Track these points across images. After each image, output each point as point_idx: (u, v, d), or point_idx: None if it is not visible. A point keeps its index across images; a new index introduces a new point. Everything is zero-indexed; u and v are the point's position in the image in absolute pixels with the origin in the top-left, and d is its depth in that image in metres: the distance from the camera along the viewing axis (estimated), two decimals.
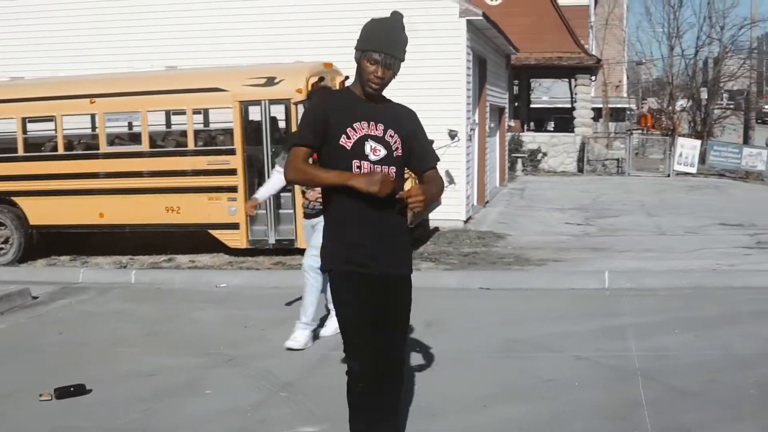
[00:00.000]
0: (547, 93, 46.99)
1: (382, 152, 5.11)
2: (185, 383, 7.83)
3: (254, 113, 14.65)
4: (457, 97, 17.41)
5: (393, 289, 5.24)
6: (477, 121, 20.41)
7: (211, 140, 15.10)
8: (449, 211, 17.17)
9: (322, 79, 14.60)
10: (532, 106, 40.37)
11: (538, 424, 6.52)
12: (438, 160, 5.44)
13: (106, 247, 16.08)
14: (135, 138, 15.48)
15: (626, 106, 54.94)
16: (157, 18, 18.07)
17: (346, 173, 5.01)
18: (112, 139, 15.50)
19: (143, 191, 14.85)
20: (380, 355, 5.14)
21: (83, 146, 15.62)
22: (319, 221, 7.62)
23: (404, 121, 5.26)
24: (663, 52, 40.32)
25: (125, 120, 15.97)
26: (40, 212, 15.30)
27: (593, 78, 36.50)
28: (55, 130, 15.30)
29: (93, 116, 15.73)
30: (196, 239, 15.54)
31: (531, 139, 32.83)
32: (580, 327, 9.44)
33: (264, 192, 9.97)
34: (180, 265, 14.69)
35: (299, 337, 8.84)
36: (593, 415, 6.63)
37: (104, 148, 15.08)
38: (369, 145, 5.09)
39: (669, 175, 31.13)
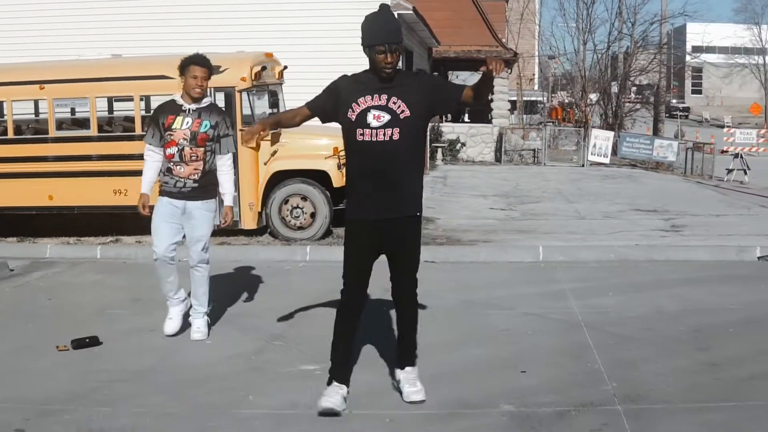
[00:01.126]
0: (465, 82, 48.30)
1: (386, 117, 6.48)
2: (185, 336, 8.93)
3: None
4: None
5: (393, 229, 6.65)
6: None
7: None
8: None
9: (264, 68, 15.68)
10: None
11: (507, 360, 7.81)
12: (462, 87, 6.76)
13: (52, 230, 16.87)
14: (83, 123, 16.34)
15: (539, 99, 56.85)
16: (104, 7, 18.94)
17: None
18: (60, 124, 16.37)
19: (92, 174, 15.70)
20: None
21: (32, 131, 16.44)
22: (196, 208, 8.55)
23: (412, 85, 6.65)
24: (576, 47, 41.73)
25: (74, 105, 16.82)
26: None
27: (509, 71, 37.95)
28: (3, 114, 16.13)
29: (39, 102, 16.57)
30: (142, 221, 16.39)
31: (450, 130, 34.10)
32: (524, 291, 10.82)
33: (147, 183, 9.33)
34: (126, 244, 15.58)
35: (203, 326, 9.07)
36: (551, 354, 7.95)
37: (53, 132, 15.93)
38: (372, 114, 6.46)
39: (583, 165, 32.66)
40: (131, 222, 16.32)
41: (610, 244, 14.39)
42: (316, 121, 7.20)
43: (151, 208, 9.18)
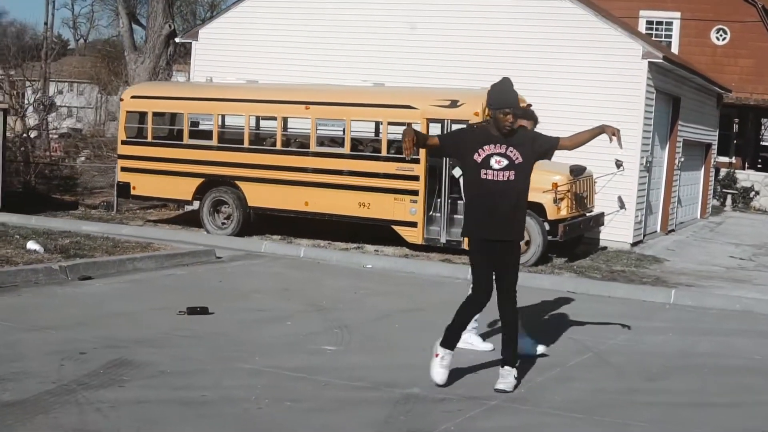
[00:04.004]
0: None
1: (504, 162, 8.66)
2: (277, 317, 11.81)
3: (438, 129, 18.09)
4: (633, 131, 20.17)
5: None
6: (661, 155, 23.27)
7: (400, 150, 18.69)
8: (618, 234, 20.26)
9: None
10: (764, 144, 41.99)
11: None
12: (558, 139, 9.10)
13: (310, 233, 19.93)
14: (338, 141, 19.31)
15: None
16: (368, 36, 22.00)
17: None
18: (322, 141, 19.44)
19: (341, 187, 18.64)
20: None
21: (297, 144, 19.61)
22: None
23: (522, 138, 8.92)
24: None
25: (332, 125, 19.87)
26: (257, 196, 19.39)
27: None
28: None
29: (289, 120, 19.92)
30: (383, 233, 19.10)
31: (745, 177, 34.77)
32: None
33: None
34: (367, 251, 18.28)
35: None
36: None
37: (314, 147, 19.00)
38: (494, 159, 8.73)
39: None
40: (370, 232, 19.20)
41: None
42: None
43: None
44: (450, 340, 8.84)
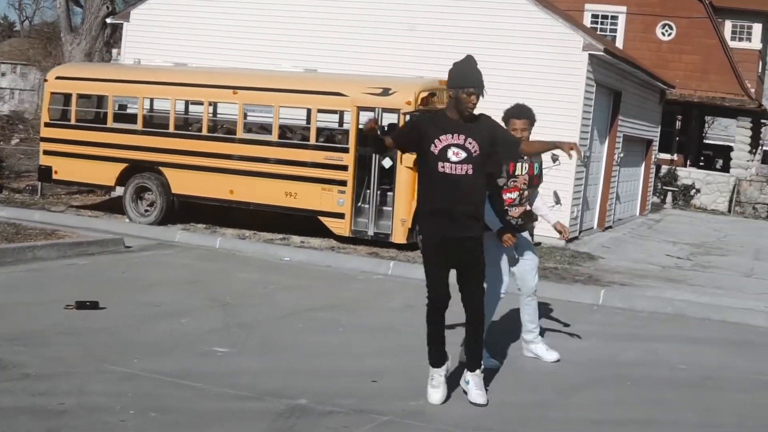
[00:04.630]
0: (726, 130, 47.71)
1: (463, 154, 7.84)
2: (173, 313, 10.87)
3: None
4: (571, 125, 19.47)
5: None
6: (600, 150, 22.52)
7: (330, 138, 17.86)
8: (552, 229, 19.32)
9: (433, 94, 17.10)
10: (707, 141, 41.52)
11: None
12: (519, 140, 8.46)
13: (233, 222, 18.99)
14: (268, 129, 18.34)
15: None
16: (302, 22, 21.11)
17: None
18: (250, 128, 18.52)
19: (268, 175, 17.73)
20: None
21: (224, 130, 18.65)
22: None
23: (482, 127, 8.10)
24: None
25: (261, 112, 18.94)
26: (181, 183, 18.40)
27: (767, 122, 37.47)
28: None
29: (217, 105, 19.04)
30: (312, 224, 18.21)
31: (686, 175, 34.24)
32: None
33: None
34: (291, 243, 17.42)
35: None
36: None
37: (241, 134, 18.06)
38: (452, 151, 7.87)
39: None
40: (302, 223, 18.32)
41: (733, 303, 14.54)
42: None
43: None
44: (432, 357, 8.11)
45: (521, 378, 9.39)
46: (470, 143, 7.86)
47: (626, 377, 9.76)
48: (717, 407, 8.99)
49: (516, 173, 9.51)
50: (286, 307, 11.97)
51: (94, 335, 9.44)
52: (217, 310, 11.29)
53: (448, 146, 7.84)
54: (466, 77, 7.86)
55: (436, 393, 7.99)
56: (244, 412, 7.43)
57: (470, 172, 7.84)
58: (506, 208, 9.50)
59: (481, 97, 7.94)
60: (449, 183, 7.84)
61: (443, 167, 7.83)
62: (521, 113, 9.42)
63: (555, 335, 11.15)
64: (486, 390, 8.16)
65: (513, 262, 9.72)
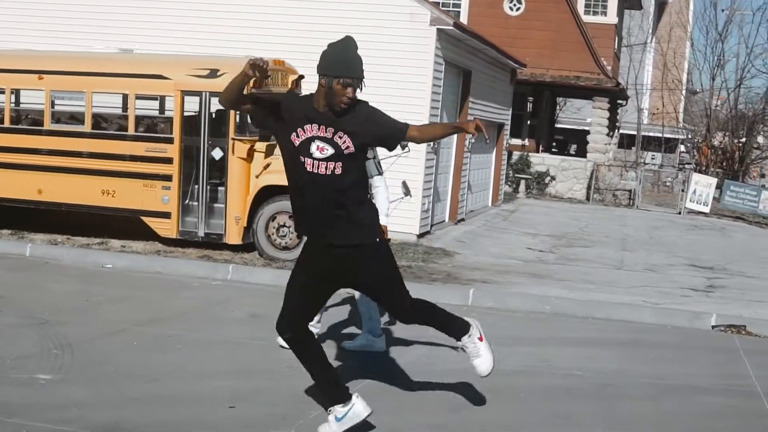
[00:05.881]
0: (579, 113, 47.35)
1: (329, 150, 6.63)
2: None
3: (195, 104, 15.76)
4: (419, 107, 18.32)
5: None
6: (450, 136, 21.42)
7: (151, 127, 16.29)
8: (402, 224, 17.98)
9: (267, 76, 15.69)
10: (559, 126, 41.08)
11: None
12: (406, 125, 6.88)
13: (45, 225, 17.25)
14: (80, 118, 16.65)
15: (680, 137, 54.12)
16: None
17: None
18: (59, 118, 16.77)
19: (81, 171, 15.95)
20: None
21: (29, 121, 16.85)
22: None
23: (358, 120, 6.68)
24: (703, 83, 40.67)
25: (71, 98, 17.21)
26: None
27: (624, 102, 37.25)
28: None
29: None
30: (135, 225, 16.67)
31: (540, 161, 33.50)
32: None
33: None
34: (111, 248, 15.82)
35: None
36: None
37: (49, 125, 16.29)
38: (315, 145, 6.61)
39: (680, 212, 31.74)
40: (121, 224, 16.77)
41: (606, 299, 13.98)
42: None
43: None
44: (322, 393, 7.19)
45: (405, 396, 8.49)
46: (340, 138, 6.67)
47: (518, 388, 8.99)
48: (629, 419, 8.41)
49: None
50: (113, 322, 10.72)
51: None
52: (33, 329, 10.01)
53: (312, 139, 6.67)
54: (343, 64, 6.60)
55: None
56: None
57: (338, 171, 6.67)
58: None
59: (358, 90, 6.61)
60: (310, 181, 6.73)
61: (304, 162, 6.69)
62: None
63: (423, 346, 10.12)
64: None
65: None
